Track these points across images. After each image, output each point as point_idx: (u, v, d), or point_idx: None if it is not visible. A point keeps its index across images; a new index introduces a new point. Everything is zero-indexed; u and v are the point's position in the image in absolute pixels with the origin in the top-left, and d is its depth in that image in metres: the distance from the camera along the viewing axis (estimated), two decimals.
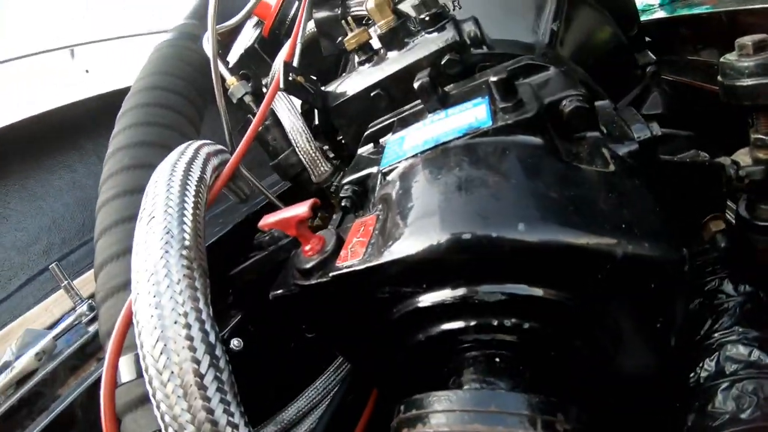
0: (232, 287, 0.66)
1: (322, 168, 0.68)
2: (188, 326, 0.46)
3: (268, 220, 0.50)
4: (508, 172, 0.48)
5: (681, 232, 0.66)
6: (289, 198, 0.75)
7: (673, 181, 0.64)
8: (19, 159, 1.14)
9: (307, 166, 0.69)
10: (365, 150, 0.60)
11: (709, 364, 0.53)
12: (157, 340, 0.45)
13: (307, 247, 0.50)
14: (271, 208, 0.68)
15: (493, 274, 0.45)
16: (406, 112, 0.61)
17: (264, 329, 0.64)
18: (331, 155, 0.74)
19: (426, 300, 0.46)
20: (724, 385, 0.52)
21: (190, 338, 0.45)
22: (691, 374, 0.55)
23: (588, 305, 0.46)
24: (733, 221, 0.63)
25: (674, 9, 1.06)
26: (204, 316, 0.47)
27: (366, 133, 0.62)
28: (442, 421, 0.40)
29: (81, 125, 1.09)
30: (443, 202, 0.46)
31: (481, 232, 0.43)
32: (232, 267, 0.66)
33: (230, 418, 0.45)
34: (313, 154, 0.67)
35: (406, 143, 0.55)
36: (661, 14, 1.08)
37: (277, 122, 0.70)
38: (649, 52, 0.95)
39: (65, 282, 0.82)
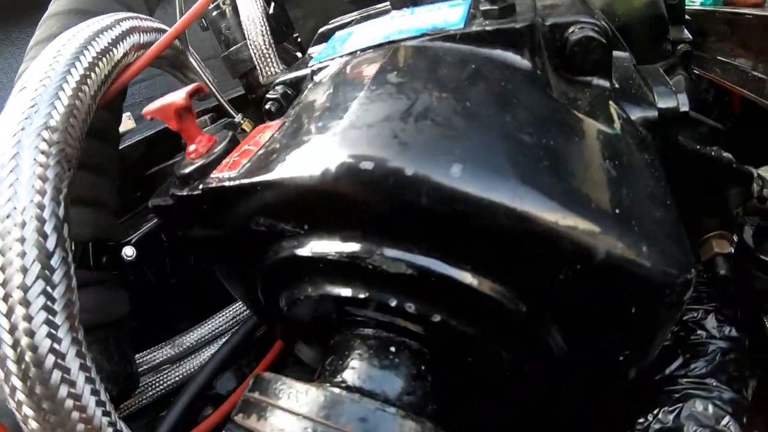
0: (150, 189, 0.53)
1: (272, 68, 0.53)
2: (22, 224, 0.34)
3: (151, 107, 0.35)
4: (464, 91, 0.31)
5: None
6: (244, 104, 0.60)
7: (686, 175, 0.43)
8: None
9: (257, 63, 0.54)
10: (314, 50, 0.44)
11: (666, 417, 0.37)
12: None
13: (192, 148, 0.36)
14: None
15: (401, 233, 0.28)
16: (373, 11, 0.44)
17: (178, 241, 0.52)
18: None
19: (306, 248, 0.31)
20: None
21: (21, 240, 0.33)
22: (640, 420, 0.38)
23: (532, 311, 0.29)
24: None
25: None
26: (46, 214, 0.34)
27: (321, 30, 0.45)
28: (281, 424, 0.27)
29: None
30: (355, 115, 0.29)
31: (392, 163, 0.26)
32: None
33: (55, 345, 0.33)
34: (266, 51, 0.52)
35: (350, 40, 0.38)
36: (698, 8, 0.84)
37: (236, 10, 0.54)
38: (686, 30, 0.71)
39: None
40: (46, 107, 0.37)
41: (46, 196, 0.35)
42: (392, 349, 0.32)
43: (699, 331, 0.39)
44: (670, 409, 0.35)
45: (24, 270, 0.33)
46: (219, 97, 0.52)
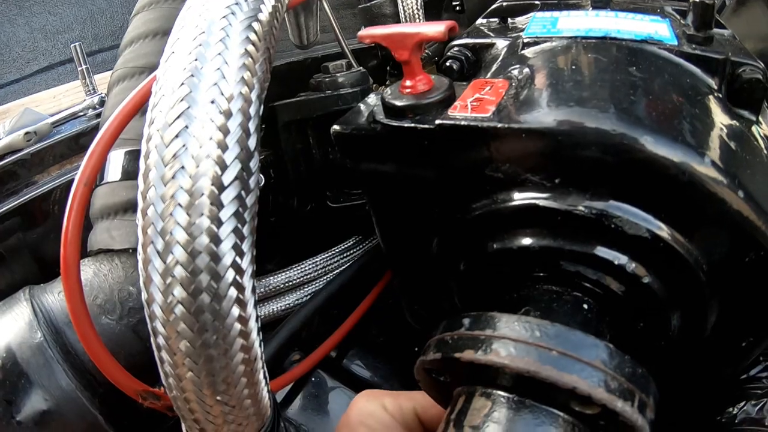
0: (267, 122, 0.45)
1: None
2: (228, 114, 0.25)
3: (374, 31, 0.29)
4: (695, 101, 0.31)
5: None
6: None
7: None
8: None
9: (403, 21, 0.48)
10: (485, 23, 0.40)
11: (751, 408, 0.38)
12: (177, 118, 0.25)
13: (408, 83, 0.30)
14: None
15: (651, 203, 0.27)
16: (553, 0, 0.41)
17: (284, 179, 0.44)
18: None
19: (548, 200, 0.27)
20: None
21: (224, 130, 0.25)
22: (729, 409, 0.39)
23: (710, 279, 0.29)
24: None
25: None
26: (252, 110, 0.26)
27: (496, 6, 0.42)
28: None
29: None
30: (620, 98, 0.28)
31: (663, 152, 0.25)
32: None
33: (237, 259, 0.25)
34: (416, 11, 0.47)
35: (560, 24, 0.35)
36: None
37: None
38: None
39: (84, 66, 0.59)
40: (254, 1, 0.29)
41: (254, 91, 0.27)
42: (585, 306, 0.29)
43: None
44: (754, 403, 0.36)
45: (223, 166, 0.25)
46: (345, 47, 0.46)
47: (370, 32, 0.29)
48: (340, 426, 0.31)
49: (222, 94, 0.25)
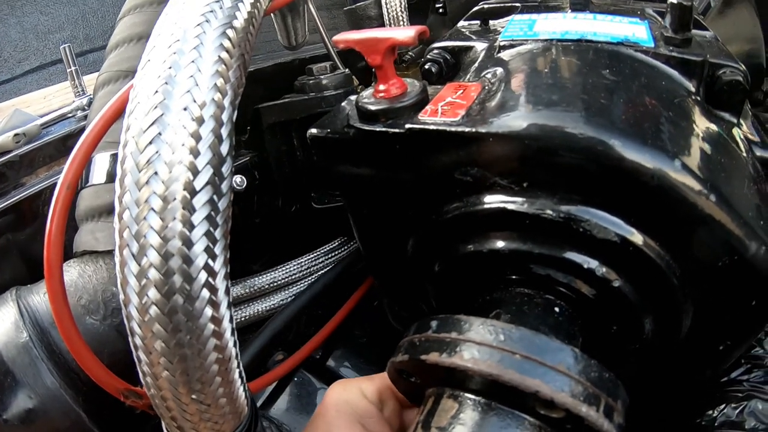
0: (252, 124, 0.46)
1: None
2: (200, 120, 0.26)
3: (348, 36, 0.30)
4: (669, 104, 0.31)
5: None
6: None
7: None
8: None
9: (388, 23, 0.49)
10: (466, 25, 0.41)
11: (731, 412, 0.38)
12: (151, 124, 0.26)
13: (382, 87, 0.31)
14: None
15: (621, 208, 0.28)
16: (533, 3, 0.42)
17: (269, 181, 0.45)
18: None
19: (516, 204, 0.28)
20: None
21: (196, 136, 0.26)
22: (708, 412, 0.39)
23: (684, 285, 0.30)
24: None
25: None
26: (225, 116, 0.27)
27: (477, 8, 0.43)
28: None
29: None
30: (590, 101, 0.28)
31: (632, 156, 0.26)
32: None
33: (210, 261, 0.26)
34: (400, 13, 0.48)
35: (537, 26, 0.36)
36: None
37: None
38: None
39: (73, 68, 0.61)
40: (230, 6, 0.30)
41: (227, 97, 0.28)
42: (556, 309, 0.30)
43: (757, 349, 0.40)
44: (734, 405, 0.37)
45: (195, 171, 0.26)
46: (330, 49, 0.47)
47: (344, 37, 0.30)
48: (315, 416, 0.32)
49: (195, 101, 0.26)
